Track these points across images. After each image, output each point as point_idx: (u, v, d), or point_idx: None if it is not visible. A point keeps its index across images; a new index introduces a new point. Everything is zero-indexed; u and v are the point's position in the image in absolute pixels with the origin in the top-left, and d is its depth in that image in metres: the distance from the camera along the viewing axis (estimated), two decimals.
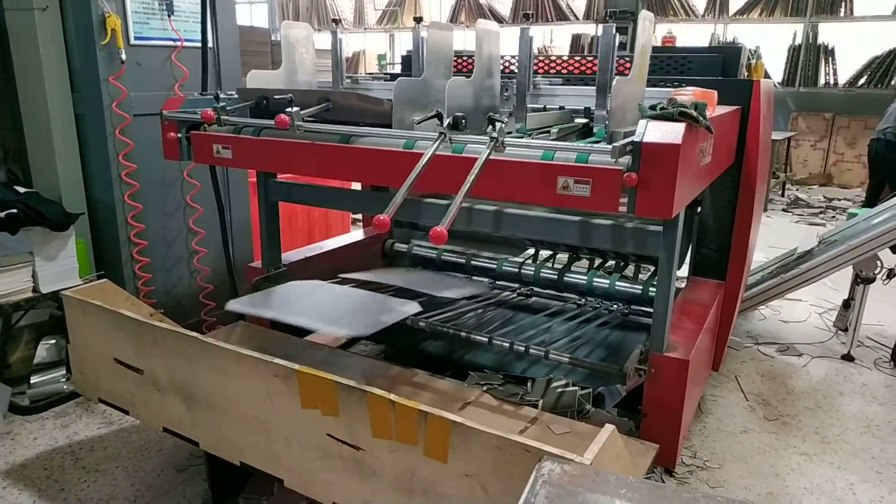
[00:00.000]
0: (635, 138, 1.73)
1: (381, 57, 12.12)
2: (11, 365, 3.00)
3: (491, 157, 1.83)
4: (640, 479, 1.41)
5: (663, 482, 2.46)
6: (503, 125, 1.85)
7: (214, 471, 2.30)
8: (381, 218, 1.66)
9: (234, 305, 2.46)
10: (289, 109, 2.07)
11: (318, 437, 1.84)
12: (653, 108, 1.83)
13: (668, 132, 1.72)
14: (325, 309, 2.48)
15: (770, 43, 8.85)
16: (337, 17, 3.15)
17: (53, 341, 3.05)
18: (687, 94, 1.99)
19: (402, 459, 1.70)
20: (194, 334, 2.03)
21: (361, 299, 2.59)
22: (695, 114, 1.76)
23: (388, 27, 12.14)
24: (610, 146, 1.72)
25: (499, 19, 10.52)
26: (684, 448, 2.69)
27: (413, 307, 2.46)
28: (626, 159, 1.74)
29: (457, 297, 2.84)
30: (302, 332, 2.98)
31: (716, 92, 2.28)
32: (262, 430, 1.96)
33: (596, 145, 1.89)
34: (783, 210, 7.73)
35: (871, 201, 6.78)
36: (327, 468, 1.86)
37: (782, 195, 8.34)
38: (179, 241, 3.31)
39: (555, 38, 11.02)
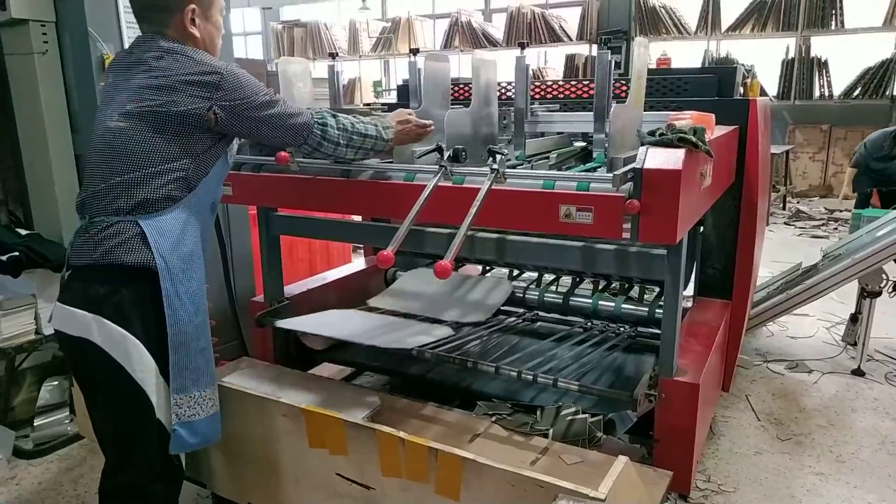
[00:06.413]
0: (636, 165, 1.73)
1: (376, 84, 12.19)
2: (15, 408, 2.98)
3: (492, 187, 1.83)
4: None
5: None
6: (503, 156, 1.84)
7: None
8: (385, 253, 1.65)
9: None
10: None
11: (327, 476, 1.82)
12: (652, 133, 1.83)
13: (668, 158, 1.72)
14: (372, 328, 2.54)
15: (764, 57, 8.92)
16: (334, 52, 3.17)
17: (56, 383, 3.03)
18: (685, 119, 1.99)
19: (413, 498, 1.68)
20: None
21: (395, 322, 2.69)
22: (694, 139, 1.76)
23: (382, 54, 12.24)
24: (611, 174, 1.72)
25: (493, 43, 10.61)
26: (698, 472, 2.65)
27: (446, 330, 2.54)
28: (628, 186, 1.74)
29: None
30: (306, 366, 2.97)
31: (713, 115, 2.28)
32: (270, 470, 1.94)
33: (596, 173, 1.89)
34: (785, 223, 7.73)
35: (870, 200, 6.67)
36: None
37: (783, 208, 8.35)
38: None
39: (549, 60, 11.11)
